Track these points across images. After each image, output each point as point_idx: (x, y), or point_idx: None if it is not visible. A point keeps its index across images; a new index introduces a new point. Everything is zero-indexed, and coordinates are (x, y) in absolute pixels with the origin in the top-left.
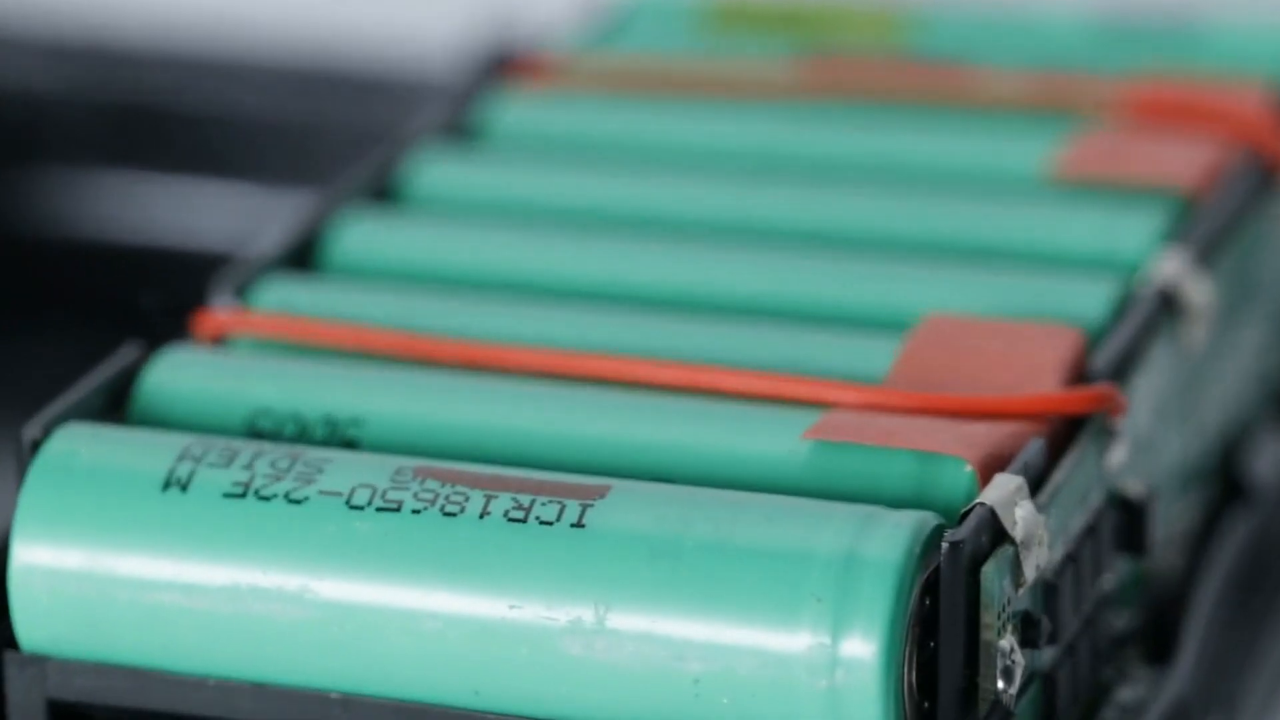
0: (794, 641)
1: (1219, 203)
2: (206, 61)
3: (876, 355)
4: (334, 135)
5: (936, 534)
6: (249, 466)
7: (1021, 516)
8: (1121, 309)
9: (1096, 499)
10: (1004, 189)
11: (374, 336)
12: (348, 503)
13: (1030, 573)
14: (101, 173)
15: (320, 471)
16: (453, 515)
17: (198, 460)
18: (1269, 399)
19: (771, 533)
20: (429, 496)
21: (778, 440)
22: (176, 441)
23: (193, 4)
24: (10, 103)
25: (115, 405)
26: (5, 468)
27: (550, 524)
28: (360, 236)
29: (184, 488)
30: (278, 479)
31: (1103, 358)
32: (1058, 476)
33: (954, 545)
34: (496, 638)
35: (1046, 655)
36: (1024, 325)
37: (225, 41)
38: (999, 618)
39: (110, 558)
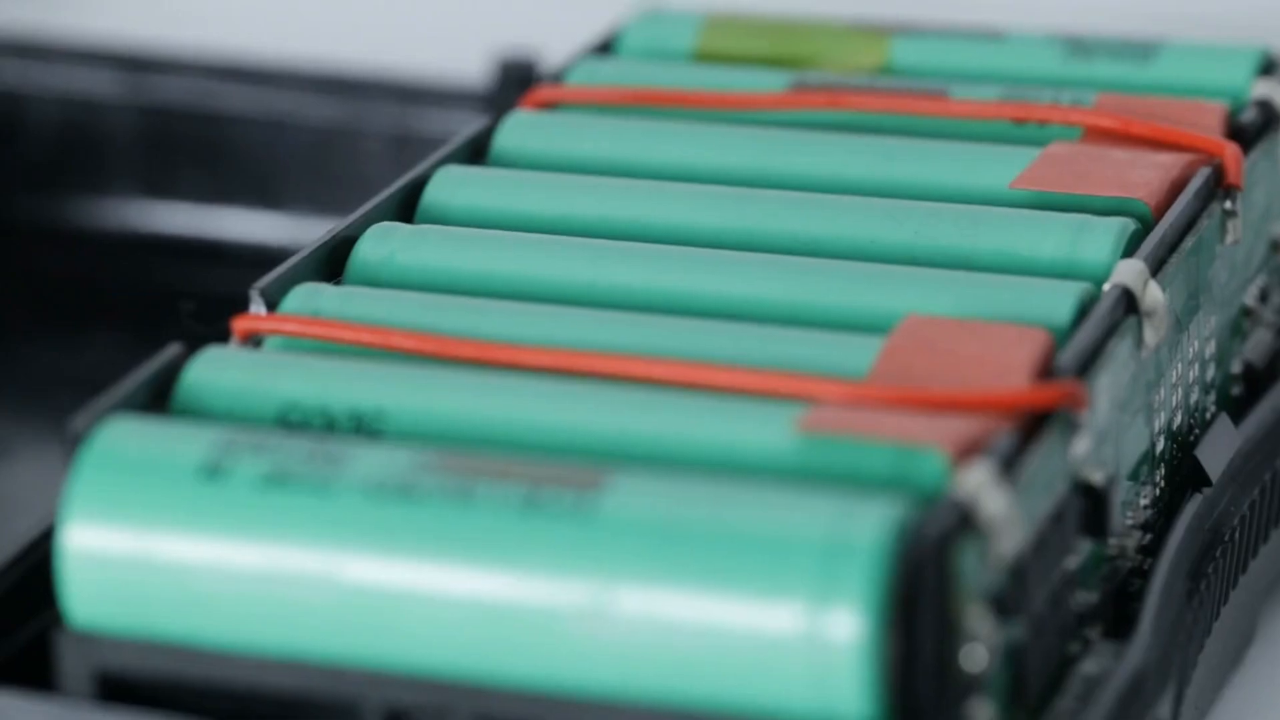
0: (781, 621)
1: (1176, 215)
2: (239, 72)
3: (859, 354)
4: (360, 153)
5: (914, 519)
6: (280, 456)
7: (993, 503)
8: (1085, 312)
9: (1062, 487)
10: (976, 205)
11: (396, 338)
12: (371, 490)
13: (1001, 556)
14: (143, 181)
15: (346, 461)
16: (468, 502)
17: (233, 451)
18: (1220, 392)
19: (761, 518)
20: (447, 484)
21: (768, 432)
22: (214, 433)
23: (222, 26)
24: (48, 110)
25: (158, 399)
26: (55, 458)
27: (557, 510)
28: (385, 249)
29: (221, 476)
30: (307, 468)
31: (1067, 356)
32: (1026, 466)
33: (930, 530)
34: (506, 616)
35: (1016, 632)
36: (997, 326)
37: (259, 59)
38: (972, 598)
39: (152, 541)
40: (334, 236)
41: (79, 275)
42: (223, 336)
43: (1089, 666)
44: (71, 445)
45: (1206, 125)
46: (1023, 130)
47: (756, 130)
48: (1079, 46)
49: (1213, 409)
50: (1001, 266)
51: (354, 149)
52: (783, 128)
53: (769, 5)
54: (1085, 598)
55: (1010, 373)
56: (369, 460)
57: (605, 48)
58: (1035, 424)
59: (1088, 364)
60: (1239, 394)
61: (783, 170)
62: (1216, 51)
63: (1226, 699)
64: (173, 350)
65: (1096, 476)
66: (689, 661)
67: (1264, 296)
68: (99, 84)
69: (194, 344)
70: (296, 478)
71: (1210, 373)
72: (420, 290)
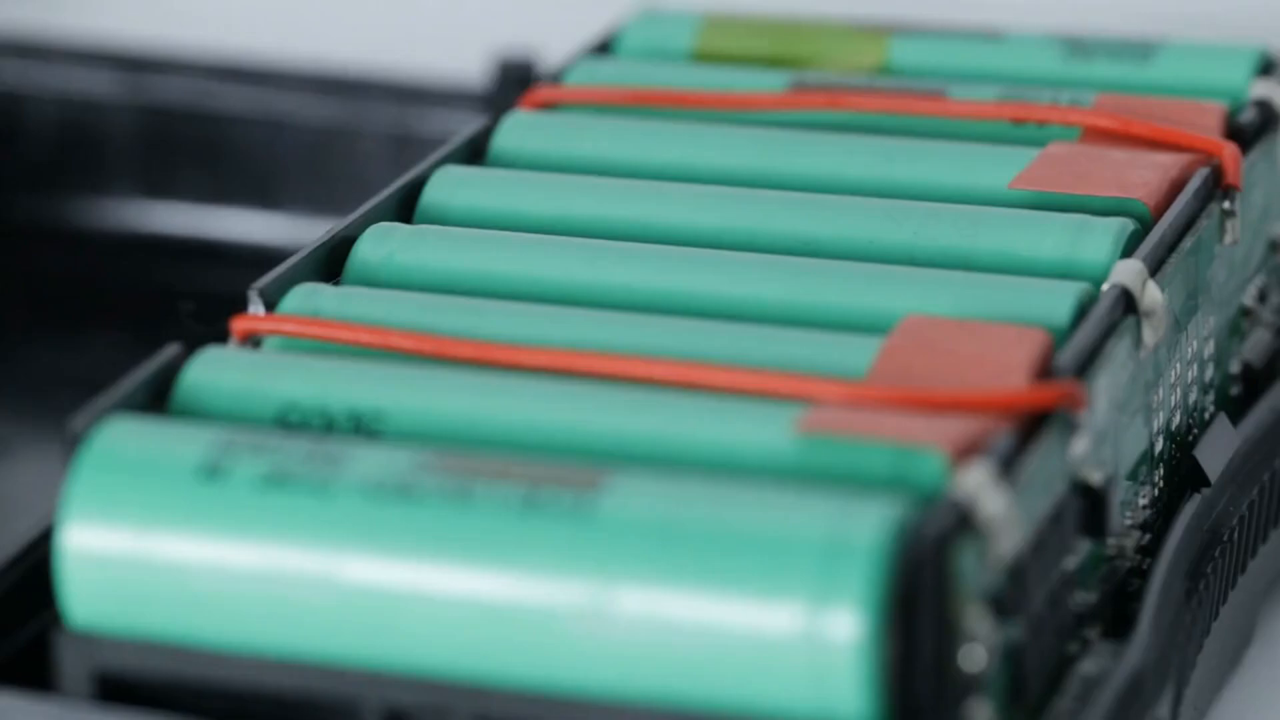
0: (780, 621)
1: (1175, 215)
2: (238, 72)
3: (858, 354)
4: (359, 153)
5: (913, 519)
6: (279, 457)
7: (992, 503)
8: (1084, 313)
9: (1060, 487)
10: (975, 206)
11: (395, 338)
12: (370, 490)
13: (999, 556)
14: (143, 181)
15: (345, 462)
16: (467, 502)
17: (232, 451)
18: (1219, 393)
19: (761, 517)
20: (446, 484)
21: (767, 432)
22: (213, 433)
23: (221, 26)
24: (47, 110)
25: (157, 400)
26: (55, 458)
27: (556, 510)
28: (384, 249)
29: (220, 476)
30: (306, 468)
31: (1066, 357)
32: (1025, 466)
33: (929, 530)
34: (505, 617)
35: (1015, 632)
36: (996, 326)
37: (258, 59)
38: (971, 598)
39: (151, 541)
40: (333, 236)
41: (78, 275)
42: (222, 337)
43: (1088, 666)
44: (70, 445)
45: (1205, 125)
46: (1022, 130)
47: (756, 130)
48: (1078, 46)
49: (1211, 409)
50: (1000, 267)
51: (353, 149)
52: (782, 128)
53: (768, 5)
54: (1084, 598)
55: (1009, 373)
56: (368, 461)
57: (604, 48)
58: (1034, 424)
59: (1086, 364)
60: (1238, 394)
61: (782, 170)
62: (1215, 51)
63: (1225, 699)
64: (172, 350)
65: (1095, 477)
66: (688, 662)
67: (1263, 296)
68: (98, 84)
69: (193, 344)
70: (295, 478)
71: (1209, 373)
72: (419, 290)
